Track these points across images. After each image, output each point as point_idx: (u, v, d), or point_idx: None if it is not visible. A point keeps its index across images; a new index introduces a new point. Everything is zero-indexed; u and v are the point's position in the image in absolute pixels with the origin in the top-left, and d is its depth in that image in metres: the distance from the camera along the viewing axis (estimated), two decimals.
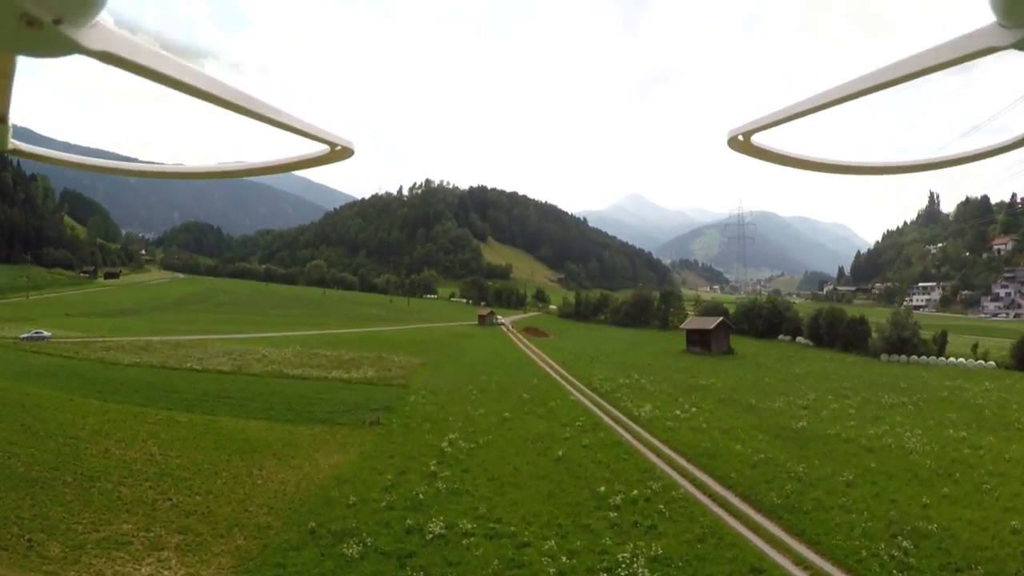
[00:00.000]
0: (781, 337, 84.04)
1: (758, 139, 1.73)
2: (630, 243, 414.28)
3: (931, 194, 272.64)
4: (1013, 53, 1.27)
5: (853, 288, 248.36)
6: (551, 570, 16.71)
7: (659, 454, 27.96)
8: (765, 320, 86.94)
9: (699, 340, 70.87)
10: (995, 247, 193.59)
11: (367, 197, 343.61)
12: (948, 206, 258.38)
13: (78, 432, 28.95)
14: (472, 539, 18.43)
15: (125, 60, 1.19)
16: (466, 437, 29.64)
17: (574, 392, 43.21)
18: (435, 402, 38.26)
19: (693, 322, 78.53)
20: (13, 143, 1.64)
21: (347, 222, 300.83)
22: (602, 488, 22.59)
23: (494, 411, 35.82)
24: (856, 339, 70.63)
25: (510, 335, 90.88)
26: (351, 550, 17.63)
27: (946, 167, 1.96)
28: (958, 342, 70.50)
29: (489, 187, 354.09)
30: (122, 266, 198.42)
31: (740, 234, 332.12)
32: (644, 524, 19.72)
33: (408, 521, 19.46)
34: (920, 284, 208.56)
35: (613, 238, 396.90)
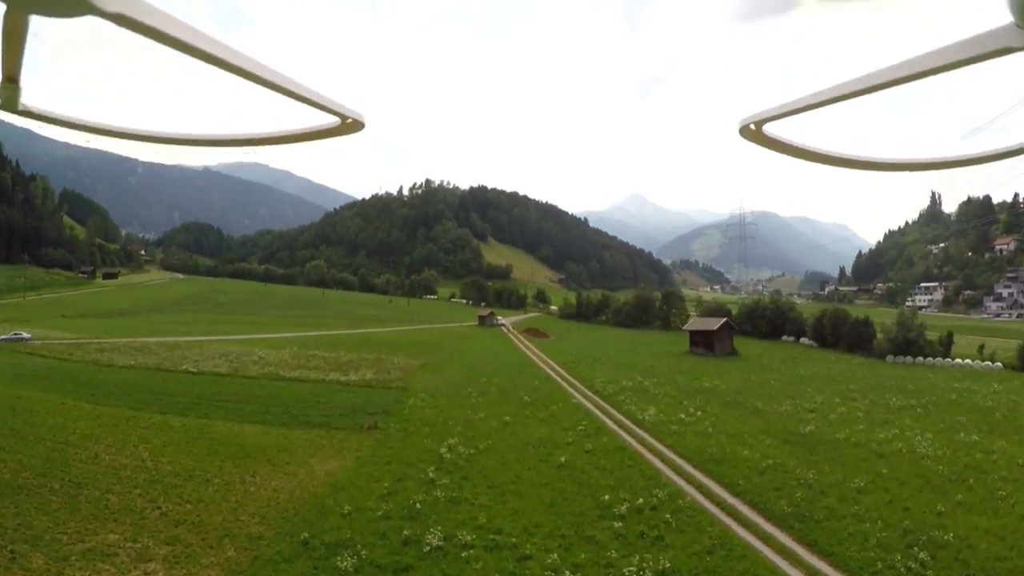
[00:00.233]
0: (785, 338, 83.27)
1: (769, 129, 1.72)
2: (631, 243, 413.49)
3: (933, 194, 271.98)
4: None
5: (854, 288, 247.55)
6: None
7: (664, 460, 27.21)
8: (768, 321, 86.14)
9: (702, 341, 70.08)
10: (997, 247, 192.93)
11: (367, 197, 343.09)
12: (950, 206, 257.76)
13: (68, 437, 28.22)
14: (471, 551, 17.67)
15: (138, 22, 1.18)
16: (466, 442, 28.88)
17: (576, 395, 42.46)
18: (434, 405, 37.51)
19: (696, 323, 77.73)
20: (23, 104, 1.59)
21: (347, 222, 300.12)
22: (606, 496, 21.82)
23: (494, 415, 35.07)
24: (861, 340, 69.85)
25: (510, 336, 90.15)
26: (345, 563, 16.89)
27: (954, 167, 1.91)
28: (963, 343, 69.70)
29: (489, 187, 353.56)
30: (121, 267, 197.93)
31: (741, 234, 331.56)
32: (650, 535, 18.97)
33: (405, 532, 18.71)
34: (922, 284, 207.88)
35: (614, 238, 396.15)
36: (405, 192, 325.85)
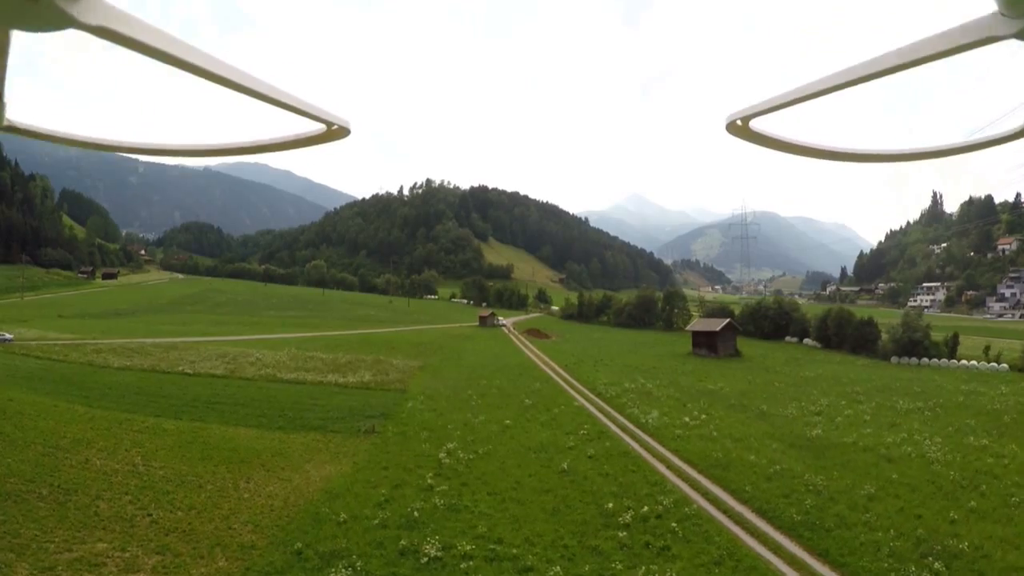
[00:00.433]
0: (788, 339, 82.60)
1: (756, 124, 1.73)
2: (631, 243, 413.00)
3: (934, 194, 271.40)
4: (1016, 44, 1.27)
5: (856, 288, 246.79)
6: None
7: (669, 465, 26.55)
8: (772, 321, 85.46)
9: (705, 342, 69.39)
10: (1000, 247, 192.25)
11: (367, 197, 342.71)
12: (951, 206, 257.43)
13: (59, 441, 27.60)
14: (471, 563, 17.02)
15: (121, 35, 1.17)
16: (465, 447, 28.22)
17: (578, 398, 41.79)
18: (433, 408, 36.86)
19: (699, 324, 76.99)
20: (8, 119, 1.59)
21: (347, 222, 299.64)
22: (610, 504, 21.15)
23: (495, 418, 34.41)
24: (865, 341, 69.14)
25: (511, 337, 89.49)
26: (339, 574, 16.26)
27: (945, 156, 1.88)
28: (967, 343, 68.90)
29: (490, 187, 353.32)
30: (121, 267, 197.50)
31: (744, 234, 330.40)
32: (656, 545, 18.31)
33: (402, 542, 18.06)
34: (924, 284, 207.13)
35: (615, 238, 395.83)
36: (406, 192, 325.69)
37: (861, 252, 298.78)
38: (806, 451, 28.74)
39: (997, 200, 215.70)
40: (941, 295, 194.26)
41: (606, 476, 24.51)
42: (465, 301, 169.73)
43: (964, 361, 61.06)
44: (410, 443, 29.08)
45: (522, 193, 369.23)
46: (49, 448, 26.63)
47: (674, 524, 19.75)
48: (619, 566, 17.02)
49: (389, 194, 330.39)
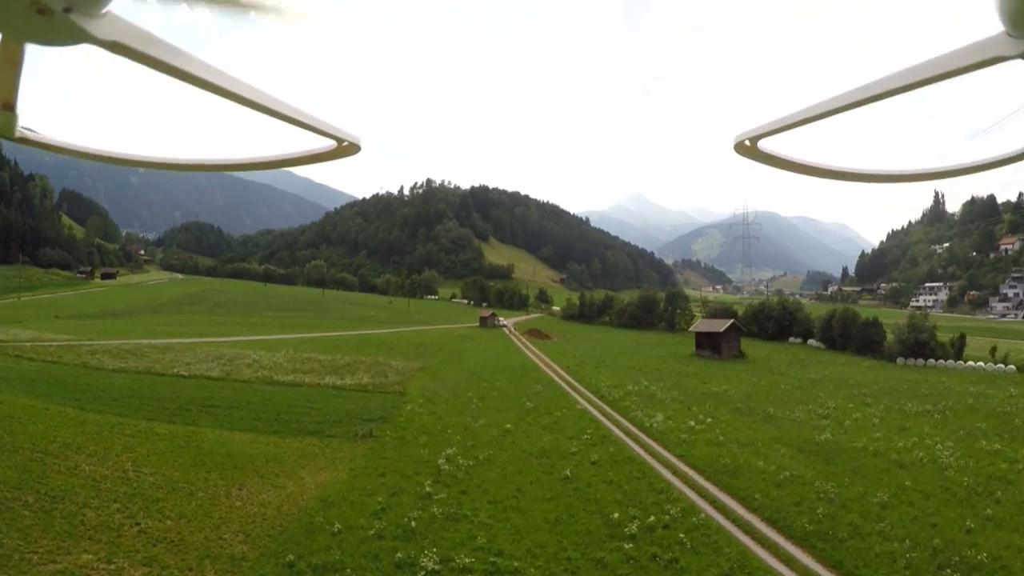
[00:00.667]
0: (792, 339, 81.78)
1: (765, 144, 1.73)
2: (632, 243, 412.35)
3: (936, 194, 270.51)
4: (1021, 63, 1.26)
5: (858, 288, 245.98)
6: None
7: (675, 471, 25.78)
8: (775, 322, 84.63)
9: (709, 343, 68.55)
10: (1002, 247, 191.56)
11: (368, 197, 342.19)
12: (953, 206, 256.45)
13: (48, 446, 26.84)
14: None
15: (134, 51, 1.19)
16: (464, 452, 27.45)
17: (580, 400, 41.01)
18: (433, 412, 36.09)
19: (702, 324, 76.13)
20: (21, 131, 1.60)
21: (348, 222, 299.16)
22: (615, 514, 20.36)
23: (495, 422, 33.65)
24: (870, 342, 68.29)
25: (512, 337, 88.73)
26: None
27: (954, 176, 1.91)
28: (972, 344, 68.04)
29: (491, 187, 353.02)
30: (120, 267, 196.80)
31: (745, 234, 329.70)
32: (664, 557, 17.54)
33: (398, 554, 17.30)
34: (926, 284, 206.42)
35: (615, 238, 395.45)
36: (406, 192, 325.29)
37: (863, 252, 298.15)
38: (815, 456, 27.97)
39: (999, 200, 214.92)
40: (944, 295, 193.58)
41: (610, 483, 23.75)
42: (465, 301, 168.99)
43: (971, 362, 60.23)
44: (408, 448, 28.33)
45: (523, 193, 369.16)
46: (37, 453, 25.87)
47: (682, 535, 18.99)
48: None
49: (389, 194, 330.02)
